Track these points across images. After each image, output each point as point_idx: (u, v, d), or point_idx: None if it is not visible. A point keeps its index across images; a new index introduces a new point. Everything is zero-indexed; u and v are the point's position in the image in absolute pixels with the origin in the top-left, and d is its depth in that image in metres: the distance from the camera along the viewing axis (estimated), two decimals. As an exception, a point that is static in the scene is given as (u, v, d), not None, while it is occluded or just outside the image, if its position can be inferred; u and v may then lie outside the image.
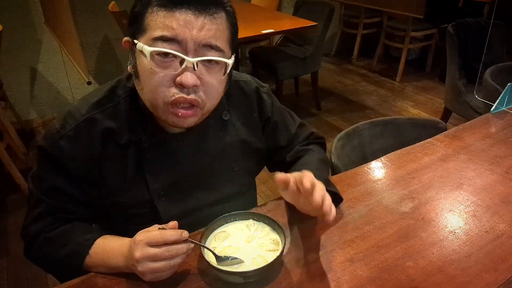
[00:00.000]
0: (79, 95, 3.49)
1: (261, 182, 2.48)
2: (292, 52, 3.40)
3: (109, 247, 0.83)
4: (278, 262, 0.81)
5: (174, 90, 0.77)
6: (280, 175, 0.80)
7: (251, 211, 0.95)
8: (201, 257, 0.81)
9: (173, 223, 0.76)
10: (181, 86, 0.77)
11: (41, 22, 3.17)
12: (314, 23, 2.88)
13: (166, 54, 0.75)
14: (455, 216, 0.98)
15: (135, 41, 0.78)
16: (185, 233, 0.75)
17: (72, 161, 0.84)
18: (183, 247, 0.75)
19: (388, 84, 4.08)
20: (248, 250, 0.85)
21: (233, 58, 0.83)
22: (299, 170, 0.85)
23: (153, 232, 0.75)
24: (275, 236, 0.87)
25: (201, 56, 0.76)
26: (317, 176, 0.80)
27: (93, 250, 0.83)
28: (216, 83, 0.81)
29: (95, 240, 0.85)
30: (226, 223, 0.90)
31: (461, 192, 1.07)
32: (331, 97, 3.83)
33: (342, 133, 1.39)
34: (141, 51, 0.76)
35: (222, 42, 0.79)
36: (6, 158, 2.45)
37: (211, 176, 0.97)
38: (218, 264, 0.80)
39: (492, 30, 2.44)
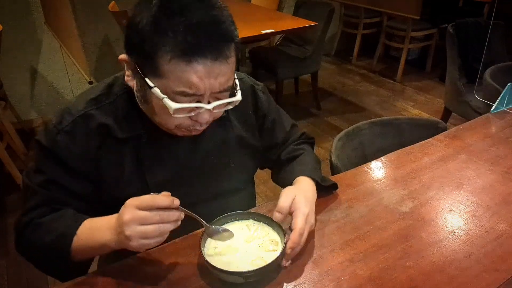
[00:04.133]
0: (79, 95, 3.48)
1: (261, 182, 2.48)
2: (292, 52, 3.40)
3: (95, 225, 0.83)
4: (278, 262, 0.81)
5: (188, 122, 0.81)
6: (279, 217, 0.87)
7: (251, 211, 0.95)
8: (201, 257, 0.81)
9: (166, 193, 0.76)
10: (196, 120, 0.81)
11: (41, 22, 3.17)
12: (314, 23, 2.88)
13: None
14: (455, 216, 0.98)
15: (149, 82, 0.76)
16: (176, 201, 0.75)
17: (69, 155, 0.85)
18: (174, 213, 0.75)
19: (388, 84, 4.08)
20: (248, 250, 0.85)
21: (239, 93, 0.83)
22: (296, 169, 1.02)
23: (144, 196, 0.75)
24: (275, 236, 0.87)
25: (216, 100, 0.79)
26: (314, 175, 1.00)
27: (80, 230, 0.83)
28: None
29: (83, 221, 0.84)
30: (226, 222, 0.90)
31: (461, 192, 1.07)
32: (331, 97, 3.83)
33: (342, 133, 1.39)
34: (159, 97, 0.76)
35: (232, 76, 0.80)
36: (6, 158, 2.45)
37: (209, 172, 0.98)
38: (213, 238, 0.82)
39: (492, 30, 2.43)
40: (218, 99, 0.79)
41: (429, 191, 1.07)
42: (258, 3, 3.87)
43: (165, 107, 0.76)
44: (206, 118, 0.80)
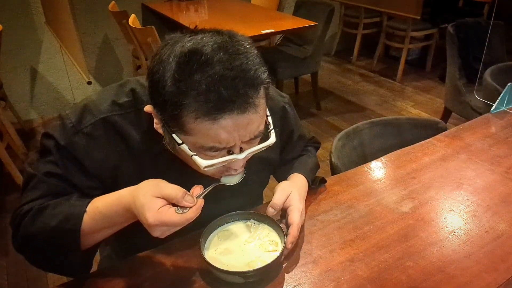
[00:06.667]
0: (79, 95, 3.49)
1: (261, 182, 2.48)
2: (292, 52, 3.40)
3: (106, 201, 0.78)
4: (278, 263, 0.81)
5: (222, 168, 0.79)
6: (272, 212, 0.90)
7: (252, 211, 0.95)
8: (201, 257, 0.81)
9: (189, 200, 0.72)
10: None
11: (41, 22, 3.17)
12: (314, 23, 2.88)
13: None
14: (455, 216, 0.98)
15: (177, 138, 0.73)
16: (199, 202, 0.73)
17: (86, 157, 0.81)
18: (196, 215, 0.72)
19: (388, 84, 4.08)
20: (248, 250, 0.85)
21: (273, 133, 0.80)
22: (295, 166, 1.06)
23: (172, 219, 0.69)
24: (275, 236, 0.88)
25: (248, 146, 0.76)
26: (308, 176, 1.03)
27: (90, 207, 0.77)
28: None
29: (90, 200, 0.79)
30: (227, 222, 0.90)
31: (461, 192, 1.07)
32: (331, 97, 3.83)
33: (342, 133, 1.39)
34: (188, 154, 0.74)
35: (263, 120, 0.76)
36: (6, 158, 2.45)
37: (227, 189, 0.96)
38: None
39: (492, 30, 2.43)
40: (251, 144, 0.76)
41: (429, 191, 1.07)
42: (258, 3, 3.87)
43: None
44: (239, 164, 0.78)
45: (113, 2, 3.14)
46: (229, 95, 0.67)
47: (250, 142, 0.76)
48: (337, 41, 4.79)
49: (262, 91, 0.73)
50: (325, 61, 4.64)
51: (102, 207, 0.77)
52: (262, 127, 0.76)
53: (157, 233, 0.71)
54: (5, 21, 2.84)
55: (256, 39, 3.28)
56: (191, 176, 0.87)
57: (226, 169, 0.79)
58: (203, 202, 0.73)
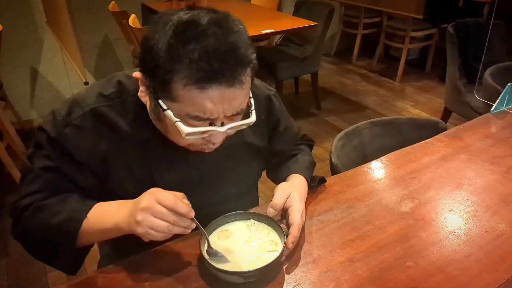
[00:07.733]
0: (79, 95, 3.49)
1: (261, 182, 2.48)
2: (292, 52, 3.40)
3: (107, 207, 0.84)
4: (278, 263, 0.81)
5: (201, 141, 0.81)
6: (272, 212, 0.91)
7: (252, 211, 0.95)
8: (201, 257, 0.81)
9: (187, 202, 0.78)
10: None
11: (42, 22, 3.17)
12: (314, 23, 2.88)
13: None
14: (455, 216, 0.98)
15: (162, 104, 0.75)
16: (192, 213, 0.76)
17: (77, 148, 0.84)
18: (186, 221, 0.77)
19: (388, 84, 4.08)
20: (248, 250, 0.85)
21: (254, 113, 0.82)
22: (291, 167, 1.06)
23: (167, 194, 0.76)
24: (275, 237, 0.88)
25: (229, 122, 0.79)
26: (305, 174, 1.04)
27: (91, 213, 0.82)
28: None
29: (93, 205, 0.84)
30: (227, 222, 0.91)
31: (461, 192, 1.07)
32: (331, 97, 3.83)
33: (342, 133, 1.39)
34: (172, 120, 0.76)
35: (246, 99, 0.79)
36: (6, 158, 2.45)
37: (217, 176, 0.98)
38: (210, 259, 0.81)
39: (492, 30, 2.43)
40: (232, 120, 0.79)
41: (429, 191, 1.07)
42: (258, 3, 3.87)
43: (178, 128, 0.76)
44: (219, 138, 0.81)
45: (113, 2, 3.14)
46: (220, 67, 0.70)
47: (232, 117, 0.78)
48: (337, 41, 4.79)
49: (249, 70, 0.76)
50: (325, 61, 4.64)
51: (102, 209, 0.83)
52: (244, 105, 0.79)
53: (142, 217, 0.74)
54: (6, 21, 2.84)
55: (256, 39, 3.28)
56: (179, 162, 0.91)
57: (206, 142, 0.81)
58: (194, 215, 0.77)
